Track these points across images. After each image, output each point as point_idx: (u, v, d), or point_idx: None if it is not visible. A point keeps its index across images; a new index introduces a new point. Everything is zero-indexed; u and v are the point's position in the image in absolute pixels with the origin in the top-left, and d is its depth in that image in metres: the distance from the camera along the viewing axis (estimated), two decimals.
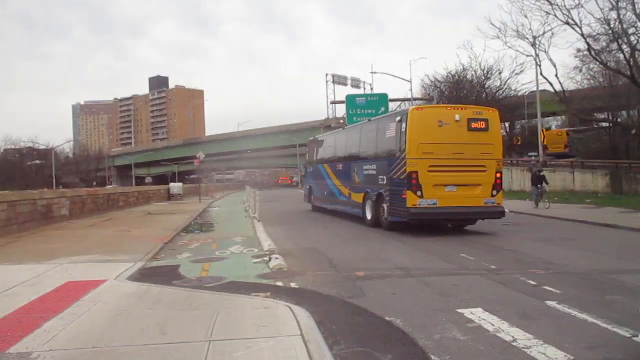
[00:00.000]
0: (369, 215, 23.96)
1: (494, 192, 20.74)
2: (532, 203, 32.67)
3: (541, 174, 33.33)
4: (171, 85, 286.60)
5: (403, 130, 21.15)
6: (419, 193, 20.38)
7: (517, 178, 53.36)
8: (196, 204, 46.60)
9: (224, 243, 18.88)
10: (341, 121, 59.36)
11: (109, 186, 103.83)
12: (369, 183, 24.17)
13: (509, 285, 11.19)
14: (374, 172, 23.60)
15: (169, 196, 58.99)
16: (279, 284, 11.80)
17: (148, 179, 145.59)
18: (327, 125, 68.02)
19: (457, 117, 20.89)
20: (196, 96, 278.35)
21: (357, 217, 25.45)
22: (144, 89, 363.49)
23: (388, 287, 11.16)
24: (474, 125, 20.94)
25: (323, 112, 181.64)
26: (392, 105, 62.87)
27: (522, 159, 63.43)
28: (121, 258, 14.87)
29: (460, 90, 67.55)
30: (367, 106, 58.65)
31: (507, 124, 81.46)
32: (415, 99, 65.87)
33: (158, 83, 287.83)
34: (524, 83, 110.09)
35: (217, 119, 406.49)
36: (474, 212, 20.70)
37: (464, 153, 20.79)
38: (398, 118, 21.72)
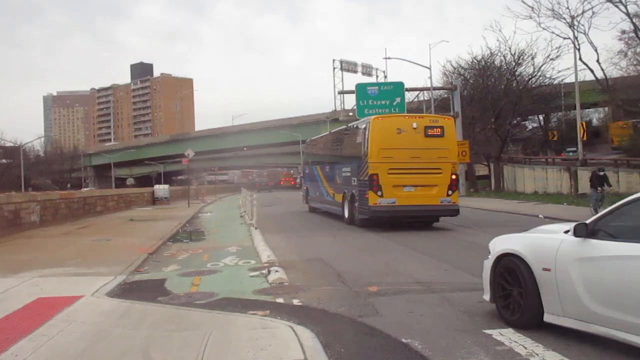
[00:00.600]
0: (346, 214, 28.93)
1: (450, 192, 25.64)
2: (589, 210, 31.40)
3: (602, 173, 32.09)
4: (156, 73, 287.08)
5: (367, 136, 26.07)
6: (379, 193, 25.27)
7: (554, 179, 53.04)
8: (185, 209, 46.75)
9: (217, 254, 18.89)
10: (350, 114, 59.20)
11: (85, 189, 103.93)
12: (346, 184, 29.10)
13: None
14: (349, 174, 28.58)
15: (154, 200, 59.09)
16: (280, 300, 11.81)
17: (130, 181, 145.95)
18: (335, 118, 67.56)
19: (414, 125, 25.66)
20: (185, 86, 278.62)
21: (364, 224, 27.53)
22: (125, 77, 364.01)
23: (405, 304, 11.15)
24: (430, 132, 25.64)
25: (330, 104, 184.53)
26: (408, 96, 62.67)
27: (558, 157, 63.14)
28: (99, 271, 14.90)
29: (487, 78, 67.34)
30: (380, 97, 58.49)
31: (541, 117, 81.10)
32: (435, 89, 65.73)
33: (141, 71, 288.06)
34: (561, 70, 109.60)
35: (209, 112, 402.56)
36: (431, 210, 25.83)
37: (421, 157, 25.51)
38: (364, 125, 26.86)
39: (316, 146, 38.84)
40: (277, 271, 14.55)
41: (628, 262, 7.87)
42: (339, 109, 60.08)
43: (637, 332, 7.71)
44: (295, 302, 11.65)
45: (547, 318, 9.01)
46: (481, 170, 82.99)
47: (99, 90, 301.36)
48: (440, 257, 17.09)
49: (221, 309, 10.89)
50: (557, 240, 9.08)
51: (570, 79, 66.77)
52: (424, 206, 25.45)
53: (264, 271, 15.00)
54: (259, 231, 25.58)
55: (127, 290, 13.08)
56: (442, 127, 25.89)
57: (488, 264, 10.17)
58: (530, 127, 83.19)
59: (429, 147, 25.63)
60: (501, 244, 10.10)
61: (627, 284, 7.81)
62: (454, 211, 25.70)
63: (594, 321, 8.32)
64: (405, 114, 29.87)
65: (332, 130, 36.58)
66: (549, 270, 9.01)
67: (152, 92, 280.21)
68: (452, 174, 25.70)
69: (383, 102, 57.81)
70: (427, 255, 17.56)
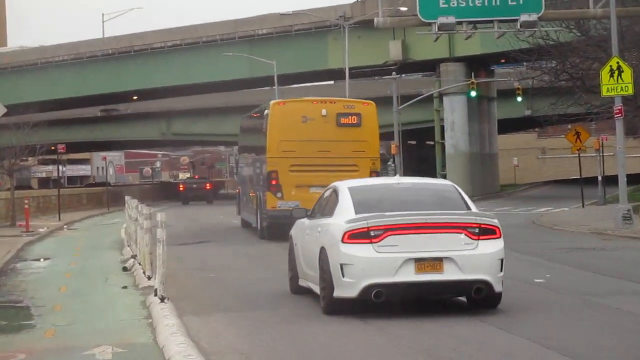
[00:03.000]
0: (258, 223, 25.98)
1: None
2: None
3: None
4: None
5: (266, 126, 23.92)
6: (279, 194, 23.24)
7: None
8: None
9: None
10: (404, 8, 39.74)
11: None
12: (257, 184, 26.29)
13: None
14: (259, 170, 25.71)
15: None
16: None
17: None
18: (355, 23, 48.07)
19: (324, 112, 23.16)
20: None
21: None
22: None
23: None
24: (343, 120, 23.24)
25: None
26: None
27: None
28: None
29: None
30: None
31: None
32: None
33: None
34: None
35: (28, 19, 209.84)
36: None
37: (332, 151, 23.17)
38: (266, 111, 24.22)
39: (245, 127, 32.60)
40: None
41: (308, 231, 12.54)
42: None
43: (312, 280, 12.04)
44: None
45: (300, 282, 13.06)
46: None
47: None
48: None
49: None
50: (299, 221, 13.42)
51: None
52: None
53: None
54: (170, 307, 11.69)
55: None
56: (358, 115, 23.55)
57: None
58: None
59: (342, 139, 23.36)
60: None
61: (306, 244, 12.52)
62: None
63: (306, 278, 12.60)
64: (314, 99, 26.39)
65: (257, 108, 29.70)
66: (295, 244, 13.35)
67: None
68: (371, 172, 23.10)
69: None
70: None
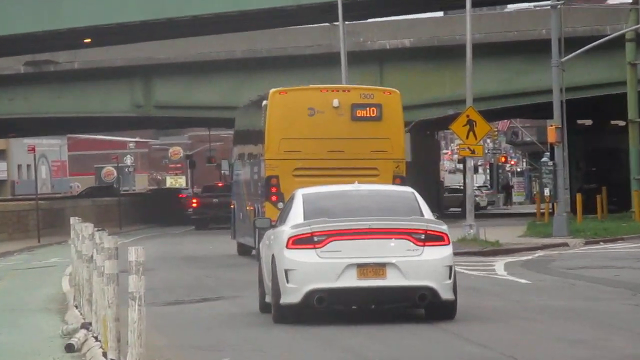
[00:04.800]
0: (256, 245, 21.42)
1: None
2: None
3: None
4: None
5: (264, 120, 21.18)
6: (280, 205, 18.56)
7: None
8: None
9: None
10: None
11: None
12: (255, 193, 23.28)
13: None
14: (257, 176, 22.91)
15: None
16: None
17: None
18: None
19: (335, 102, 20.91)
20: None
21: None
22: None
23: None
24: (360, 113, 20.95)
25: None
26: None
27: None
28: None
29: None
30: None
31: None
32: None
33: None
34: None
35: None
36: None
37: (346, 151, 20.89)
38: (264, 102, 21.62)
39: (241, 121, 28.18)
40: None
41: (267, 241, 13.15)
42: None
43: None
44: None
45: (267, 298, 12.90)
46: None
47: None
48: None
49: None
50: (267, 232, 13.73)
51: None
52: None
53: None
54: None
55: None
56: (378, 106, 21.03)
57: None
58: None
59: (359, 136, 20.96)
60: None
61: (266, 255, 13.01)
62: None
63: (269, 293, 12.44)
64: (322, 86, 23.61)
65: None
66: (260, 258, 13.77)
67: None
68: (394, 177, 20.61)
69: None
70: None
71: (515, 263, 24.49)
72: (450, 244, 11.71)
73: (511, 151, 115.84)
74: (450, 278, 11.46)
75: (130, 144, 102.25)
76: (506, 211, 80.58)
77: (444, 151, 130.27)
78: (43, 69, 49.64)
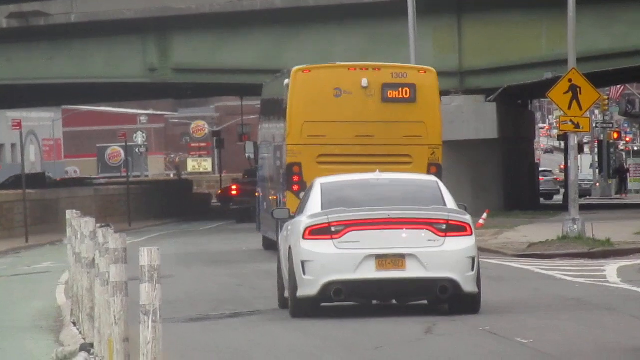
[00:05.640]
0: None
1: None
2: None
3: None
4: None
5: (285, 103, 23.75)
6: (302, 195, 20.18)
7: None
8: None
9: None
10: None
11: None
12: (278, 181, 25.72)
13: None
14: (279, 162, 25.29)
15: None
16: None
17: None
18: None
19: (364, 82, 23.28)
20: None
21: None
22: None
23: None
24: (392, 94, 23.46)
25: None
26: None
27: None
28: None
29: None
30: None
31: None
32: None
33: None
34: None
35: None
36: None
37: (376, 136, 23.65)
38: (286, 81, 24.15)
39: (266, 98, 31.25)
40: None
41: (284, 233, 15.71)
42: None
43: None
44: None
45: (285, 293, 15.47)
46: None
47: None
48: None
49: None
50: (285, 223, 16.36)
51: None
52: None
53: None
54: None
55: None
56: (412, 86, 23.46)
57: None
58: None
59: (390, 119, 23.63)
60: None
61: (283, 247, 15.59)
62: None
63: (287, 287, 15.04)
64: (351, 64, 25.59)
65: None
66: (279, 250, 16.42)
67: None
68: (429, 165, 23.30)
69: None
70: None
71: (632, 268, 24.45)
72: (474, 234, 13.86)
73: (626, 125, 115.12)
74: (473, 270, 13.55)
75: (142, 118, 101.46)
76: (620, 201, 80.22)
77: (540, 125, 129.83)
78: (31, 22, 48.72)
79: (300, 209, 15.11)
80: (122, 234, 9.68)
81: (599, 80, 47.59)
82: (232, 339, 14.20)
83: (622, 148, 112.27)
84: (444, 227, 13.47)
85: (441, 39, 48.34)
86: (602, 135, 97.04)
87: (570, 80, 29.60)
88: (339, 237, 13.44)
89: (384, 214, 13.59)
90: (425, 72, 24.30)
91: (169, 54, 50.87)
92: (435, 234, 13.51)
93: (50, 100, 72.94)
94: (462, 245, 13.57)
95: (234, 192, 53.10)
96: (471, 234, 13.78)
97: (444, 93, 49.13)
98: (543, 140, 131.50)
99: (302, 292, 13.64)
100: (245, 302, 19.71)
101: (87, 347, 12.00)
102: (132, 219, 50.43)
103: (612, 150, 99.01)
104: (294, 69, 23.90)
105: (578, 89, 29.43)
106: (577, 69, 30.14)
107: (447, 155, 42.26)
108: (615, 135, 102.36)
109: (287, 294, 14.94)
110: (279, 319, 16.08)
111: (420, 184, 15.77)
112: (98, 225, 11.63)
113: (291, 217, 15.45)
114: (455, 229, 13.50)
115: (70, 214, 17.18)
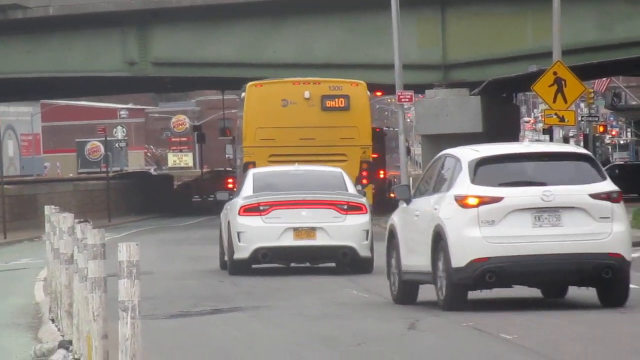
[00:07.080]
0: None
1: (359, 189, 25.25)
2: None
3: None
4: None
5: (242, 112, 28.88)
6: None
7: None
8: None
9: None
10: None
11: None
12: (241, 176, 29.37)
13: None
14: (239, 162, 30.67)
15: None
16: None
17: None
18: None
19: (306, 94, 27.88)
20: None
21: None
22: None
23: None
24: (329, 103, 28.00)
25: None
26: None
27: None
28: None
29: None
30: None
31: None
32: None
33: None
34: None
35: None
36: None
37: (317, 139, 28.03)
38: (242, 94, 29.22)
39: (239, 109, 36.57)
40: None
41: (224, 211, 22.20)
42: None
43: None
44: None
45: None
46: None
47: None
48: None
49: None
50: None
51: None
52: None
53: None
54: None
55: None
56: (346, 97, 27.81)
57: None
58: None
59: (328, 124, 27.79)
60: None
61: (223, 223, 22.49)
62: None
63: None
64: (295, 79, 30.42)
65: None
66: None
67: None
68: (361, 162, 27.56)
69: None
70: None
71: None
72: (368, 213, 20.56)
73: (612, 118, 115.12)
74: (367, 239, 20.28)
75: (122, 112, 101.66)
76: None
77: (525, 119, 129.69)
78: (9, 15, 48.68)
79: (237, 192, 21.24)
80: (101, 229, 9.63)
81: (585, 73, 47.56)
82: (212, 336, 14.27)
83: (608, 142, 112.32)
84: (345, 207, 19.91)
85: (425, 31, 48.36)
86: (587, 129, 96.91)
87: (555, 73, 29.66)
88: (266, 214, 20.00)
89: (300, 196, 19.97)
90: (357, 85, 29.30)
91: (148, 48, 50.98)
92: (339, 212, 20.04)
93: (28, 95, 72.51)
94: (359, 221, 20.14)
95: (230, 186, 52.26)
96: (366, 213, 20.47)
97: (427, 86, 49.40)
98: (528, 134, 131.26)
99: (237, 256, 20.37)
100: (226, 298, 19.87)
101: (65, 344, 12.04)
102: (112, 215, 50.17)
103: (598, 144, 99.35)
104: (249, 84, 29.21)
105: (563, 82, 29.48)
106: (562, 62, 30.14)
107: (431, 149, 42.23)
108: (601, 129, 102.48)
109: (226, 258, 21.42)
110: (260, 316, 16.31)
111: (328, 174, 21.82)
112: (76, 220, 11.61)
113: (230, 199, 21.41)
114: (354, 208, 19.82)
115: (48, 210, 17.22)
